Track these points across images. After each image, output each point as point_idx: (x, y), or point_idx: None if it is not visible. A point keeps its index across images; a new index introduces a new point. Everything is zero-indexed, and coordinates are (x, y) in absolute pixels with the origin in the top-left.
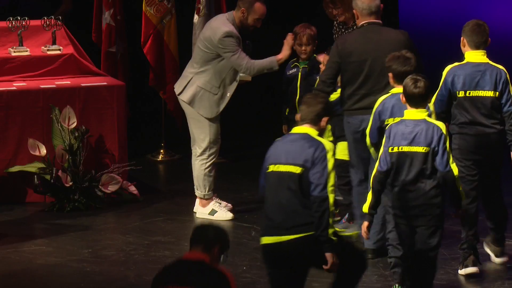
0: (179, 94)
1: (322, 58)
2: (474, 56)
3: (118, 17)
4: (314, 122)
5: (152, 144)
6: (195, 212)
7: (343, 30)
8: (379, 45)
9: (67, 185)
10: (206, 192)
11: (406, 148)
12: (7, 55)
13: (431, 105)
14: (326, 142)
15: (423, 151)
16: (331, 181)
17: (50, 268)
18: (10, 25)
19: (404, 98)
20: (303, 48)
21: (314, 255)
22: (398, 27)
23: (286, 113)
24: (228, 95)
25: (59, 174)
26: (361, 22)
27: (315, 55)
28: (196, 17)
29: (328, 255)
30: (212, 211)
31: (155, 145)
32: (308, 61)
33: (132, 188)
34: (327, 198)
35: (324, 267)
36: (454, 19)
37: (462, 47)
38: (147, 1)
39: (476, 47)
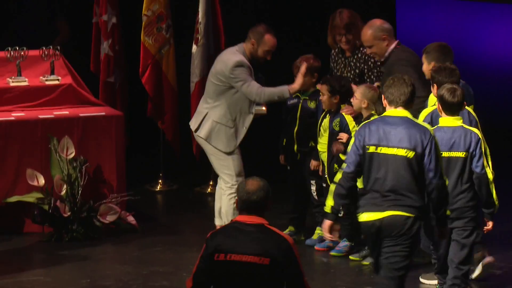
0: (196, 130)
1: (346, 109)
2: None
3: (116, 47)
4: (408, 104)
5: (151, 174)
6: None
7: (342, 59)
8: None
9: (65, 215)
10: None
11: (445, 154)
12: (5, 85)
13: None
14: (428, 125)
15: (462, 156)
16: (442, 164)
17: None
18: (8, 55)
19: (440, 107)
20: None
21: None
22: None
23: (284, 143)
24: (244, 127)
25: (57, 204)
26: (394, 43)
27: (317, 87)
28: (194, 47)
29: (444, 230)
30: None
31: (154, 175)
32: (310, 93)
33: (131, 218)
34: (445, 182)
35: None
36: (452, 37)
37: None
38: (145, 31)
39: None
